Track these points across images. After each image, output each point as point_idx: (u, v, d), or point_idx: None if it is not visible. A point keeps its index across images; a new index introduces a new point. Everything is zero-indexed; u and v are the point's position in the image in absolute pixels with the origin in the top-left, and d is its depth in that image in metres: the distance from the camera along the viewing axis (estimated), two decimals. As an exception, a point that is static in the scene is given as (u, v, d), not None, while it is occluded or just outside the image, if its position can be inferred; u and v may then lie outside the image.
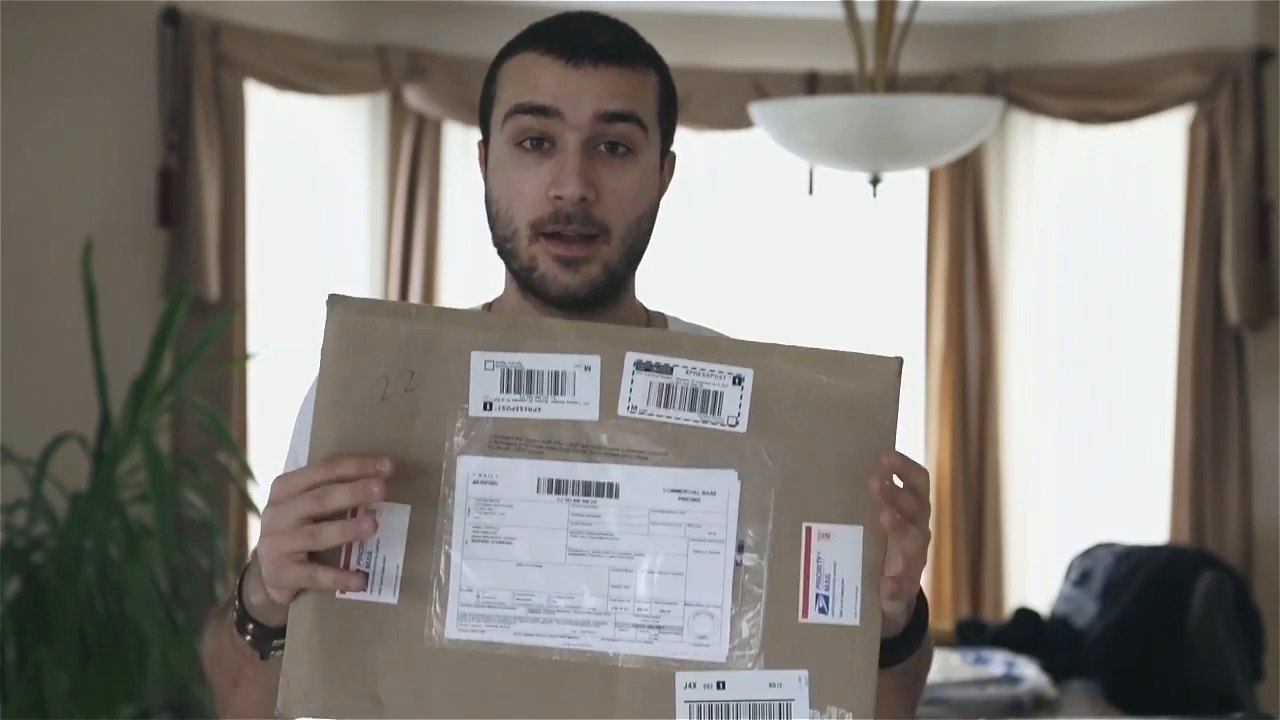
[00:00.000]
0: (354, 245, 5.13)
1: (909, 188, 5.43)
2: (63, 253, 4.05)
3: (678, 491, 1.32)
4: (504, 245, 1.48)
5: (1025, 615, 4.74)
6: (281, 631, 1.35)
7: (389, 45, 4.99)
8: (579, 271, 1.45)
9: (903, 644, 1.38)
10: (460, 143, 5.18)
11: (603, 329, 1.35)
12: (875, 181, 3.82)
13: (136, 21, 4.42)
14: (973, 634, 4.68)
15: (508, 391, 1.32)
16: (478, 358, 1.32)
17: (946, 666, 4.11)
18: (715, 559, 1.31)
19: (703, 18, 5.32)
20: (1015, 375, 5.50)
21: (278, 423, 4.61)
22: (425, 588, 1.31)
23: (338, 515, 1.29)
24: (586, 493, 1.32)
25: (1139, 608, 4.53)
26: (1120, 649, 4.51)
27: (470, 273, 5.14)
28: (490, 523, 1.31)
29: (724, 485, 1.32)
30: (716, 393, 1.32)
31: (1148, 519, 5.15)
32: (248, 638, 1.39)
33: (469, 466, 1.32)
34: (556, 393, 1.32)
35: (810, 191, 4.38)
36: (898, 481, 1.31)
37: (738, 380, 1.32)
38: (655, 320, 1.58)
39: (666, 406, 1.32)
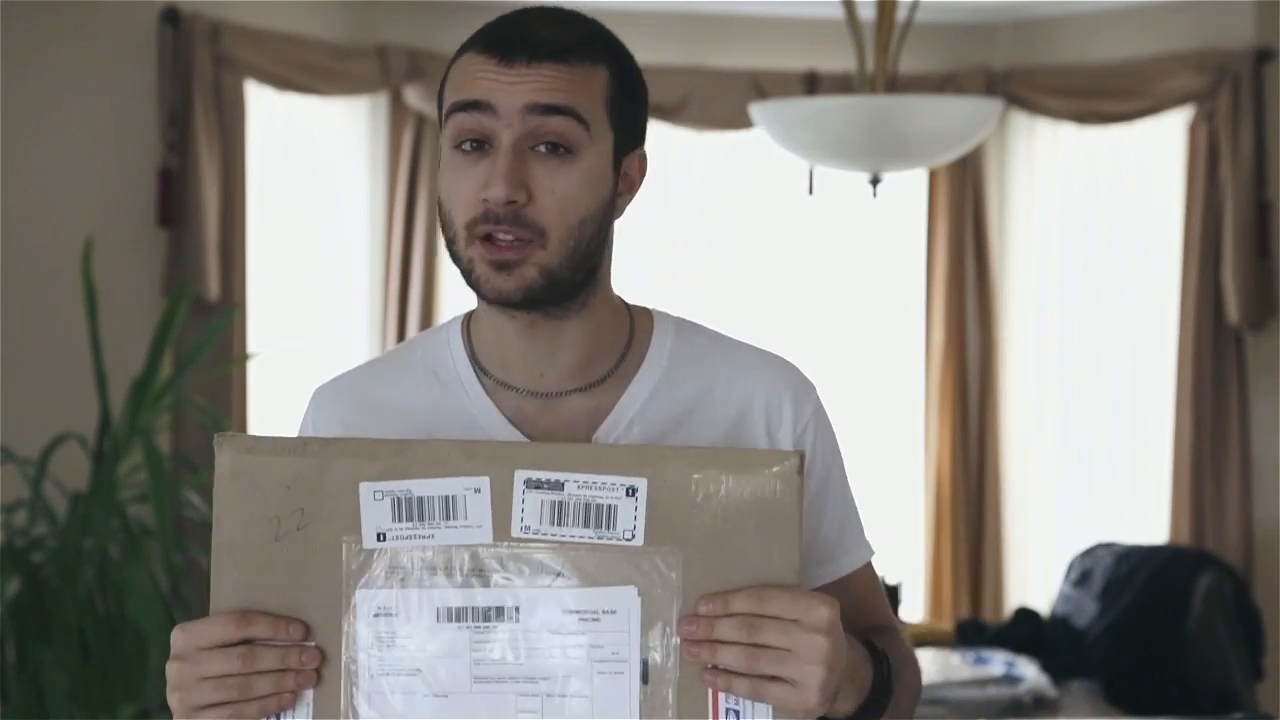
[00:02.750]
0: (354, 245, 5.13)
1: (909, 188, 5.43)
2: (63, 253, 4.05)
3: (578, 612, 1.30)
4: (450, 247, 1.45)
5: (1025, 615, 4.73)
6: None
7: (389, 45, 4.99)
8: (512, 274, 1.41)
9: (866, 713, 1.36)
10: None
11: (490, 447, 1.34)
12: (875, 181, 3.82)
13: (136, 21, 4.42)
14: (973, 634, 4.68)
15: (399, 520, 1.31)
16: (366, 489, 1.31)
17: (946, 666, 4.11)
18: (620, 679, 1.29)
19: (703, 18, 5.32)
20: (1015, 375, 5.50)
21: (278, 423, 4.61)
22: None
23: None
24: (486, 619, 1.30)
25: (1139, 608, 4.54)
26: (1120, 649, 4.51)
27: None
28: (394, 655, 1.31)
29: (624, 603, 1.30)
30: (610, 506, 1.30)
31: (1148, 519, 5.15)
32: None
33: (367, 600, 1.31)
34: (449, 517, 1.31)
35: (810, 191, 4.38)
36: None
37: (631, 491, 1.30)
38: (639, 318, 1.54)
39: (560, 525, 1.30)
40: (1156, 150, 5.18)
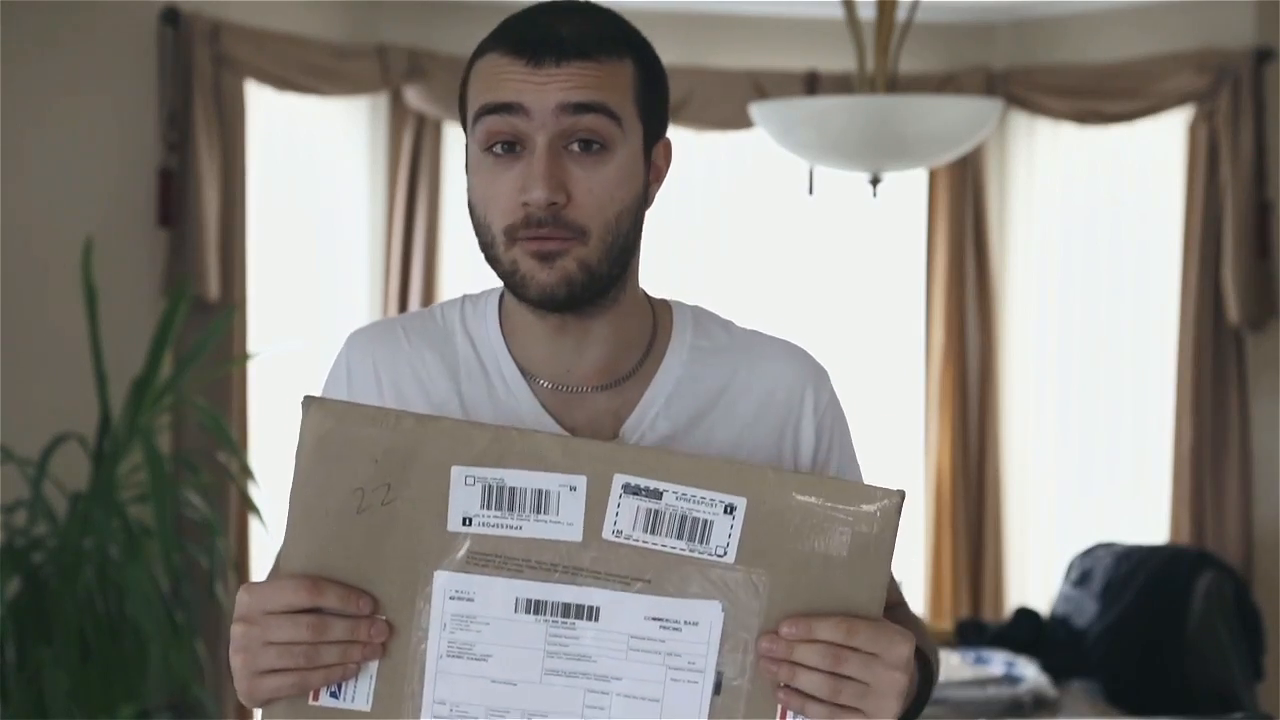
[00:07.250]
0: (354, 245, 5.13)
1: (909, 188, 5.43)
2: (63, 253, 4.05)
3: (659, 620, 1.30)
4: (487, 251, 1.45)
5: (1025, 615, 4.74)
6: None
7: (389, 45, 4.99)
8: (554, 267, 1.41)
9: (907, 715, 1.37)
10: (460, 143, 5.17)
11: (591, 446, 1.32)
12: (875, 181, 3.82)
13: (136, 21, 4.42)
14: (973, 634, 4.68)
15: (488, 508, 1.30)
16: (458, 473, 1.29)
17: (946, 666, 4.11)
18: (693, 688, 1.30)
19: (703, 18, 5.33)
20: (1015, 375, 5.50)
21: (278, 423, 4.61)
22: (398, 699, 1.31)
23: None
24: (566, 614, 1.30)
25: (1139, 608, 4.54)
26: (1120, 649, 4.51)
27: (470, 273, 5.14)
28: (466, 639, 1.30)
29: (707, 616, 1.30)
30: (706, 521, 1.29)
31: (1148, 519, 5.15)
32: None
33: (446, 582, 1.30)
34: (539, 511, 1.29)
35: (810, 191, 4.38)
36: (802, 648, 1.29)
37: (729, 509, 1.29)
38: (659, 309, 1.57)
39: (653, 533, 1.29)
40: (1156, 150, 5.18)
